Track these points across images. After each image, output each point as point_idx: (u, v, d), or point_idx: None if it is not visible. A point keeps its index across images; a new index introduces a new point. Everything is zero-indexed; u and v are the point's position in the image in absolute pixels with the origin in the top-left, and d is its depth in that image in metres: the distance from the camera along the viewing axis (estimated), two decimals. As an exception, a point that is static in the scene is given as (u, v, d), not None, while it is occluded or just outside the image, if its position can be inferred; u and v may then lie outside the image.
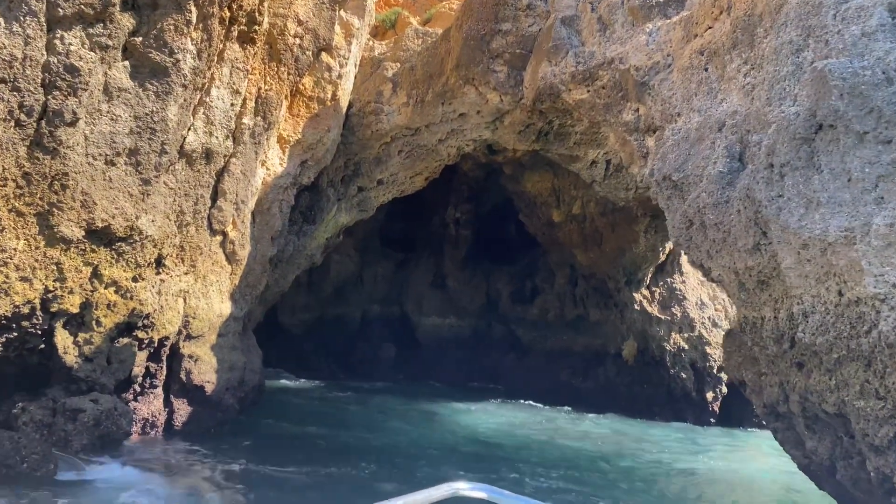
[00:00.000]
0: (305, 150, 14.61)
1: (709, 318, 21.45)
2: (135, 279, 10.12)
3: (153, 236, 10.21)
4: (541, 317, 24.98)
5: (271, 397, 15.29)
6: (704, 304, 21.55)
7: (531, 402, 20.59)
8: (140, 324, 10.29)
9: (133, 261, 10.00)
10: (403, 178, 17.80)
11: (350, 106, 16.01)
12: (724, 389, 20.99)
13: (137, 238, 9.92)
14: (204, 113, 11.58)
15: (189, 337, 11.81)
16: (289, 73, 13.63)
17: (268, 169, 13.84)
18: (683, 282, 21.71)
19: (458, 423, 15.46)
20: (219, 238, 12.40)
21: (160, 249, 10.60)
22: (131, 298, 10.02)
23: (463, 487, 2.28)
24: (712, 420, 20.50)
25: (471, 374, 24.82)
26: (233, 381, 12.47)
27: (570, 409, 19.84)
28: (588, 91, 12.20)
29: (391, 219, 26.37)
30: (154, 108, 9.90)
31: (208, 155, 11.71)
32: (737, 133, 8.29)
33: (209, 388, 11.80)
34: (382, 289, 26.93)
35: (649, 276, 21.65)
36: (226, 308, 12.66)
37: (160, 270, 10.89)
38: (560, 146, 15.62)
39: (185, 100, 10.54)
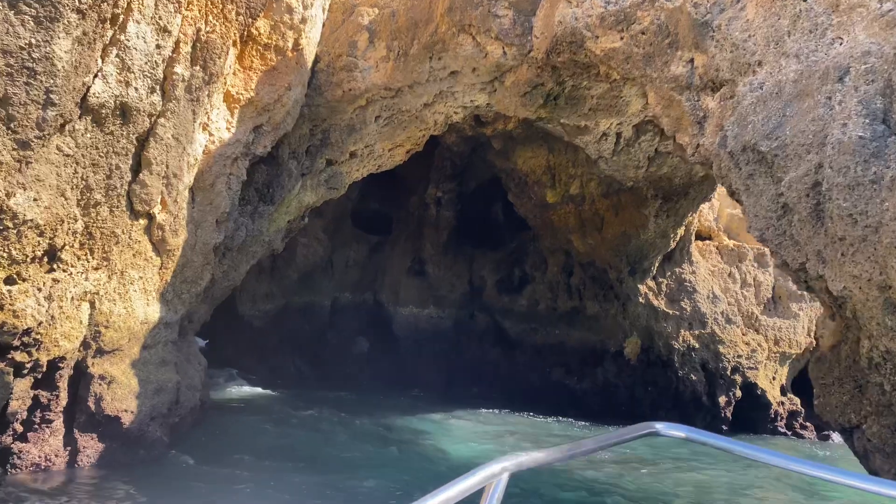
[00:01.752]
0: (260, 113, 11.73)
1: (722, 313, 19.15)
2: (8, 281, 7.27)
3: (36, 221, 7.33)
4: (530, 308, 22.53)
5: (218, 417, 12.45)
6: (717, 298, 19.22)
7: (530, 413, 18.07)
8: (17, 343, 7.44)
9: (5, 255, 7.14)
10: (381, 151, 14.97)
11: (317, 60, 13.10)
12: (738, 393, 18.81)
13: (10, 223, 7.05)
14: (118, 55, 8.65)
15: (101, 352, 8.99)
16: (238, 13, 10.71)
17: (211, 135, 10.96)
18: (693, 272, 19.35)
19: (445, 452, 12.65)
20: (142, 222, 9.54)
21: (51, 239, 7.73)
22: (1, 309, 7.17)
23: (660, 427, 2.20)
24: (724, 427, 18.38)
25: (451, 371, 22.31)
26: (161, 406, 9.66)
27: (587, 423, 17.36)
28: (622, 38, 9.53)
29: (364, 197, 23.63)
30: (33, 41, 6.99)
31: (125, 112, 8.81)
32: (875, 82, 5.72)
33: (127, 419, 9.00)
34: (354, 275, 24.22)
35: (656, 265, 19.21)
36: (153, 312, 9.83)
37: (54, 267, 8.02)
38: (571, 113, 12.93)
39: (84, 33, 7.63)
